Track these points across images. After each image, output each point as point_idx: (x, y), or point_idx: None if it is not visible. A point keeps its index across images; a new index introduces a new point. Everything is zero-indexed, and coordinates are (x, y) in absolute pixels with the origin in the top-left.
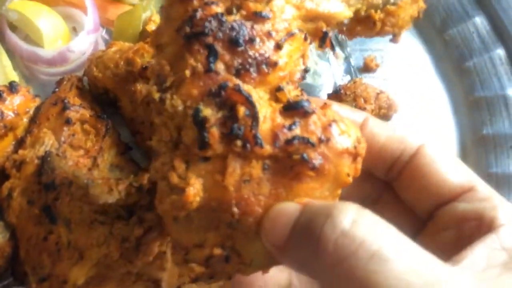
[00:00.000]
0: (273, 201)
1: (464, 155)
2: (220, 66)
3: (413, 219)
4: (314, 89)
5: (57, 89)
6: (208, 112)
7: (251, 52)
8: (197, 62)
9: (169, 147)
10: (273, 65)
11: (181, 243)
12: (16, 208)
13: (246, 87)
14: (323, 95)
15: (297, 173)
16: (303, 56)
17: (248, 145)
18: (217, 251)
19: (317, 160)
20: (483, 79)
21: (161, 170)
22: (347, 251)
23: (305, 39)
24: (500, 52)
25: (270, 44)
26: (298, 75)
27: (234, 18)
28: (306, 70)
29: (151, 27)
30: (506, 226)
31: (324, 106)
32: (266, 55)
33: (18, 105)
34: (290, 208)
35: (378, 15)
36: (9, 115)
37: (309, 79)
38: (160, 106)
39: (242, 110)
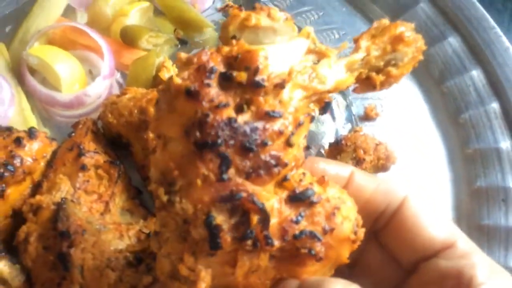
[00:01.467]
0: (277, 281)
1: (458, 206)
2: (231, 172)
3: (398, 270)
4: (316, 136)
5: (73, 134)
6: (220, 219)
7: (262, 156)
8: (209, 171)
9: (175, 235)
10: (284, 165)
11: None
12: (32, 252)
13: (257, 190)
14: (325, 142)
15: (302, 261)
16: (305, 136)
17: (258, 244)
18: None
19: (322, 252)
20: (478, 132)
21: (167, 258)
22: None
23: (312, 120)
24: (495, 106)
25: (281, 143)
26: (302, 159)
27: (246, 120)
28: (307, 148)
29: (164, 73)
30: (484, 285)
31: (322, 180)
32: (277, 155)
33: (36, 150)
34: (292, 284)
35: (379, 79)
36: (28, 161)
37: (312, 127)
38: (168, 206)
39: (255, 218)
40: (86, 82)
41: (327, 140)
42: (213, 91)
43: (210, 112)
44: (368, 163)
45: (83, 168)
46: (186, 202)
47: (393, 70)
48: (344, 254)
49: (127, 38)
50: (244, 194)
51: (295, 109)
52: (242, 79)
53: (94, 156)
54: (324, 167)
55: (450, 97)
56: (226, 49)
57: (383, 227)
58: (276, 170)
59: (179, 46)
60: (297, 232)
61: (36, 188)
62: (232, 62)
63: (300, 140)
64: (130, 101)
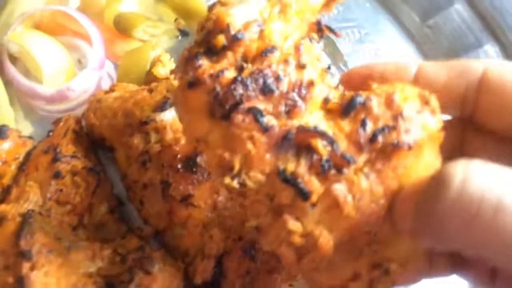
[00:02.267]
0: (391, 193)
1: None
2: (270, 119)
3: (505, 148)
4: None
5: (51, 133)
6: (291, 167)
7: (284, 89)
8: (249, 130)
9: (271, 218)
10: (310, 84)
11: (336, 286)
12: None
13: (304, 121)
14: None
15: (395, 158)
16: (318, 58)
17: (343, 169)
18: (375, 272)
19: (407, 138)
20: None
21: (277, 241)
22: (470, 215)
23: (311, 41)
24: None
25: (292, 70)
26: (328, 76)
27: (250, 70)
28: (328, 67)
29: (158, 69)
30: None
31: (368, 86)
32: (296, 81)
33: (7, 152)
34: (406, 194)
35: None
36: None
37: None
38: (242, 190)
39: (319, 144)
40: (73, 73)
41: None
42: (207, 68)
43: (216, 84)
44: None
45: (57, 175)
46: (253, 174)
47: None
48: (431, 128)
49: (121, 27)
50: (293, 131)
51: (284, 37)
52: (222, 42)
53: (71, 161)
54: (383, 68)
55: None
56: (200, 35)
57: (473, 110)
58: (305, 92)
59: (180, 37)
60: (370, 136)
61: (5, 194)
62: (209, 38)
63: (311, 60)
64: (116, 101)
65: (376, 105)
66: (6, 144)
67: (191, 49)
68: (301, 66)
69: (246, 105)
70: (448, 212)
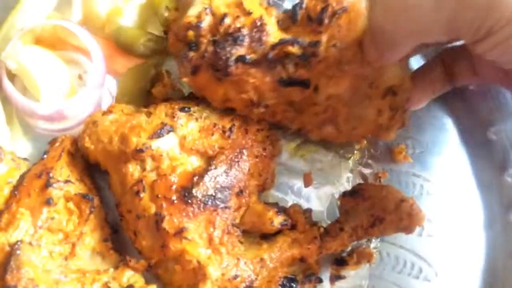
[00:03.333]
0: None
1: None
2: (252, 56)
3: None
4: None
5: (45, 156)
6: (284, 72)
7: (247, 32)
8: (244, 71)
9: (298, 116)
10: (261, 19)
11: (367, 133)
12: None
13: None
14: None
15: (342, 21)
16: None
17: (317, 51)
18: (387, 98)
19: (340, 6)
20: None
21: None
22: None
23: None
24: None
25: (245, 19)
26: (273, 9)
27: (220, 37)
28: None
29: (159, 90)
30: None
31: None
32: (253, 23)
33: (0, 175)
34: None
35: None
36: None
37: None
38: (269, 109)
39: (290, 49)
40: (73, 90)
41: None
42: (195, 56)
43: (208, 60)
44: (388, 223)
45: (49, 202)
46: (267, 95)
47: None
48: None
49: (121, 41)
50: (270, 52)
51: (226, 4)
52: (192, 35)
53: (64, 186)
54: None
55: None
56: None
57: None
58: (260, 25)
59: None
60: (317, 21)
61: None
62: (184, 39)
63: (253, 6)
64: (112, 124)
65: (309, 1)
66: (0, 168)
67: (177, 53)
68: (247, 13)
69: (232, 58)
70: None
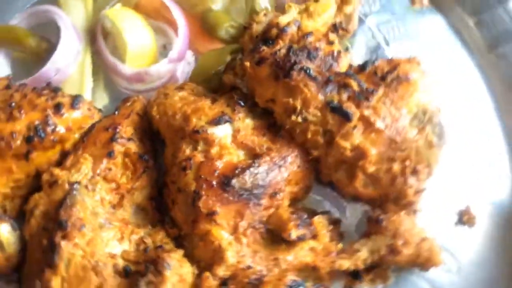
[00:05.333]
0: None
1: None
2: (315, 71)
3: None
4: None
5: (116, 112)
6: (336, 98)
7: (322, 56)
8: (303, 81)
9: (325, 148)
10: (338, 53)
11: (374, 197)
12: (33, 227)
13: (338, 69)
14: None
15: (401, 88)
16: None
17: (370, 98)
18: (407, 169)
19: (405, 77)
20: None
21: (333, 167)
22: None
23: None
24: None
25: (325, 46)
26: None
27: (297, 47)
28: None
29: (229, 77)
30: None
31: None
32: (331, 51)
33: (74, 120)
34: None
35: None
36: (61, 130)
37: None
38: (304, 124)
39: (352, 81)
40: (155, 58)
41: None
42: (267, 50)
43: (276, 57)
44: (404, 256)
45: (110, 154)
46: (311, 110)
47: None
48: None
49: (207, 24)
50: (332, 75)
51: (315, 29)
52: (275, 33)
53: (126, 143)
54: None
55: None
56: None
57: None
58: (336, 57)
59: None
60: (380, 77)
61: (63, 159)
62: (265, 32)
63: (336, 39)
64: (180, 101)
65: (382, 62)
66: (76, 113)
67: (251, 43)
68: (330, 43)
69: (298, 66)
70: None
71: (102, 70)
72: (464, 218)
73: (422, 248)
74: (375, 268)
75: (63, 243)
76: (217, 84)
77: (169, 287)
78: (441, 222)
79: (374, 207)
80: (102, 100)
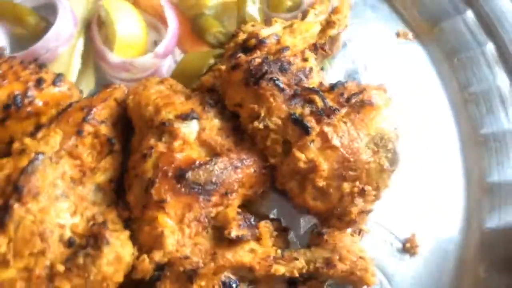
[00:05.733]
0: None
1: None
2: (284, 82)
3: None
4: None
5: (96, 94)
6: (299, 111)
7: (294, 70)
8: (271, 90)
9: (282, 157)
10: (310, 70)
11: (320, 210)
12: None
13: (305, 84)
14: None
15: (363, 112)
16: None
17: (331, 116)
18: (355, 189)
19: (370, 101)
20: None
21: (287, 176)
22: None
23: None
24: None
25: (299, 61)
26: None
27: (272, 59)
28: (321, 68)
29: (208, 79)
30: None
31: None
32: (303, 68)
33: (53, 96)
34: None
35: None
36: (39, 103)
37: None
38: (265, 131)
39: (317, 98)
40: (144, 50)
41: None
42: (243, 57)
43: (249, 65)
44: (338, 271)
45: (80, 133)
46: (274, 119)
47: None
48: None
49: (197, 27)
50: (299, 89)
51: (293, 45)
52: (253, 43)
53: (97, 125)
54: None
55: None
56: (234, 41)
57: None
58: (307, 73)
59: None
60: (346, 98)
61: (36, 130)
62: (245, 42)
63: (312, 57)
64: (155, 93)
65: (351, 84)
66: (55, 90)
67: (232, 49)
68: (305, 59)
69: (269, 76)
70: None
71: (92, 57)
72: (407, 246)
73: (357, 266)
74: (312, 279)
75: (16, 206)
76: (196, 84)
77: (105, 262)
78: (385, 246)
79: (320, 221)
80: (89, 85)
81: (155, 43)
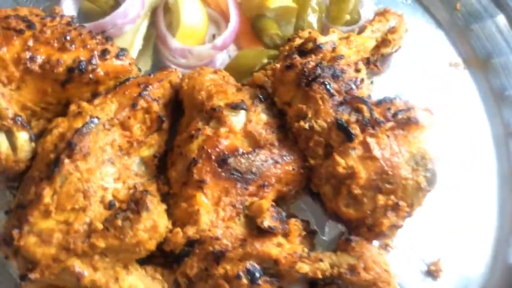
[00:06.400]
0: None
1: None
2: (334, 87)
3: None
4: None
5: (152, 75)
6: (345, 118)
7: (346, 78)
8: (321, 93)
9: (322, 159)
10: (361, 81)
11: (351, 218)
12: (47, 142)
13: (356, 93)
14: None
15: (408, 129)
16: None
17: (376, 128)
18: (390, 202)
19: (416, 119)
20: None
21: (323, 178)
22: None
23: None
24: None
25: (352, 70)
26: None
27: (326, 64)
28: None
29: (260, 77)
30: None
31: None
32: (354, 77)
33: (114, 68)
34: None
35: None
36: (100, 72)
37: None
38: (309, 132)
39: (364, 108)
40: (202, 41)
41: None
42: (299, 59)
43: (304, 67)
44: (361, 279)
45: (134, 106)
46: (319, 121)
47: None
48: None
49: (256, 27)
50: (349, 96)
51: (348, 55)
52: (310, 47)
53: (150, 102)
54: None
55: None
56: (289, 45)
57: None
58: (358, 84)
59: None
60: (393, 113)
61: (93, 97)
62: (302, 45)
63: (364, 69)
64: (209, 81)
65: (399, 101)
66: (117, 63)
67: (288, 50)
68: (357, 70)
69: (321, 80)
70: None
71: (152, 40)
72: (432, 268)
73: (380, 278)
74: (332, 284)
75: (66, 161)
76: (248, 80)
77: (142, 228)
78: (409, 265)
79: (349, 229)
80: (145, 66)
81: (213, 37)
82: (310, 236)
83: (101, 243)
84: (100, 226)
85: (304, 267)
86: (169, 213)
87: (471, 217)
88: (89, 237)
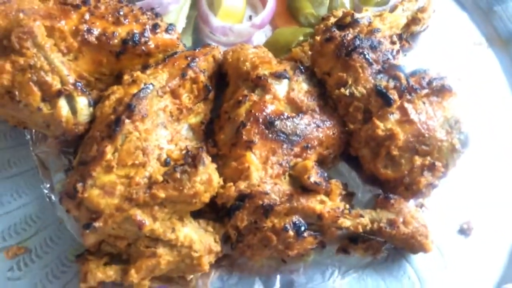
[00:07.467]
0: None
1: None
2: (372, 57)
3: None
4: None
5: (197, 50)
6: (384, 84)
7: (383, 49)
8: (360, 62)
9: (361, 123)
10: (398, 51)
11: (389, 178)
12: (106, 106)
13: (393, 62)
14: None
15: (442, 96)
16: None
17: (412, 94)
18: (426, 162)
19: (450, 86)
20: None
21: (362, 142)
22: None
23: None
24: None
25: (388, 42)
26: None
27: (364, 37)
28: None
29: (297, 52)
30: None
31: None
32: (391, 48)
33: (164, 41)
34: None
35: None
36: (151, 45)
37: None
38: (349, 98)
39: (402, 75)
40: (241, 20)
41: None
42: (338, 31)
43: (343, 39)
44: (400, 233)
45: (183, 75)
46: (359, 87)
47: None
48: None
49: (291, 6)
50: (387, 65)
51: (383, 30)
52: (348, 20)
53: (198, 72)
54: None
55: None
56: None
57: None
58: (394, 54)
59: None
60: (427, 80)
61: (144, 68)
62: (340, 19)
63: (398, 42)
64: (252, 54)
65: (432, 71)
66: (166, 36)
67: (326, 25)
68: (393, 42)
69: (360, 50)
70: None
71: (193, 20)
72: (463, 227)
73: (418, 231)
74: (372, 240)
75: (127, 121)
76: (285, 56)
77: (198, 180)
78: (442, 225)
79: (386, 191)
80: (187, 42)
81: (250, 18)
82: (348, 197)
83: (162, 194)
84: (160, 178)
85: (346, 222)
86: (219, 172)
87: (501, 181)
88: (150, 188)
